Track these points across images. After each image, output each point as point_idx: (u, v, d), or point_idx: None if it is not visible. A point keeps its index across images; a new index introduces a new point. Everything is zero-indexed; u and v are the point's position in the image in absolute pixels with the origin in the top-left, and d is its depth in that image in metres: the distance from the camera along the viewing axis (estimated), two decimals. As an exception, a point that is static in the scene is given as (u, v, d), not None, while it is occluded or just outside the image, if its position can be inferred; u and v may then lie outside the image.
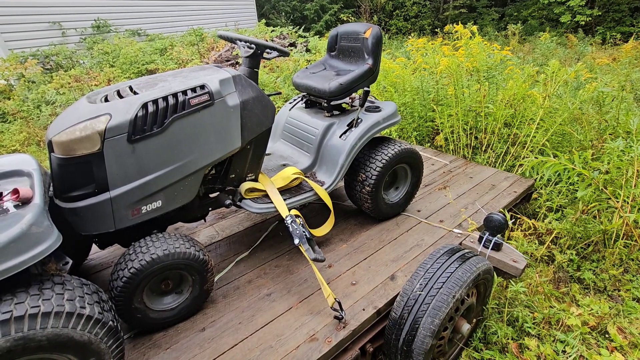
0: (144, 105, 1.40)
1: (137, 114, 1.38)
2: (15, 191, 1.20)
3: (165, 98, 1.44)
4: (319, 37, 7.94)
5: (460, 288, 1.47)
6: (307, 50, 7.59)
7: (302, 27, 9.90)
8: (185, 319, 1.57)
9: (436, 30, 9.08)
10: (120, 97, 1.48)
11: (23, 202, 1.21)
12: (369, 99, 2.37)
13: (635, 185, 2.25)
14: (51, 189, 1.45)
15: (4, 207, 1.18)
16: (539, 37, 8.85)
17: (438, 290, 1.46)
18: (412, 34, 10.15)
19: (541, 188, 2.82)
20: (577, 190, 2.43)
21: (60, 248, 1.36)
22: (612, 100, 2.91)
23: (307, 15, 13.54)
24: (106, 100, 1.48)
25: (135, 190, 1.43)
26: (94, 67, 6.32)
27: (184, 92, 1.49)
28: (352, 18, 13.84)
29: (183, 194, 1.59)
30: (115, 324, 1.16)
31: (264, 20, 9.76)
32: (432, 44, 3.71)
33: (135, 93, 1.49)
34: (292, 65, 5.25)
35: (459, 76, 3.35)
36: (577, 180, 2.52)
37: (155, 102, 1.42)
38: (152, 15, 8.76)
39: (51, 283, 1.09)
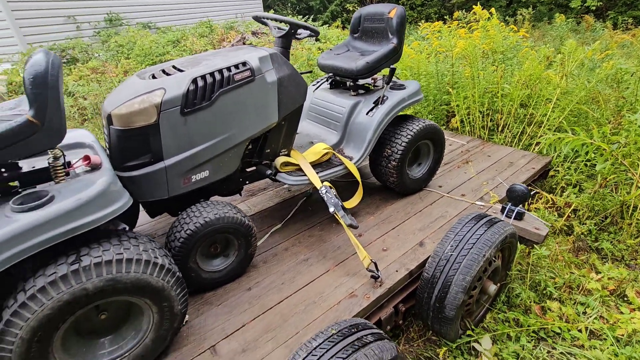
0: (194, 81, 1.50)
1: (188, 88, 1.48)
2: (87, 158, 1.32)
3: (212, 74, 1.55)
4: (327, 27, 7.97)
5: (489, 248, 1.57)
6: (317, 40, 7.63)
7: (309, 18, 9.91)
8: (232, 281, 1.69)
9: (445, 17, 9.05)
10: (167, 74, 1.58)
11: (93, 168, 1.33)
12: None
13: (653, 158, 2.32)
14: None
15: (77, 172, 1.31)
16: (549, 22, 8.77)
17: (469, 250, 1.57)
18: (420, 23, 10.11)
19: (558, 165, 2.89)
20: (594, 166, 2.50)
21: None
22: (632, 76, 2.94)
23: (312, 5, 13.50)
24: (153, 77, 1.59)
25: (187, 160, 1.55)
26: (110, 59, 6.44)
27: (228, 69, 1.59)
28: (358, 8, 13.77)
29: (227, 165, 1.70)
30: (181, 276, 1.28)
31: (272, 11, 9.77)
32: (448, 26, 3.76)
33: (180, 71, 1.59)
34: (305, 53, 5.33)
35: (475, 58, 3.41)
36: (595, 156, 2.58)
37: (203, 77, 1.53)
38: (162, 8, 8.85)
39: (126, 236, 1.21)
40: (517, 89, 3.19)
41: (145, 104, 1.43)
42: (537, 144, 3.08)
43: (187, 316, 1.48)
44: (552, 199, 2.47)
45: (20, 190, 1.19)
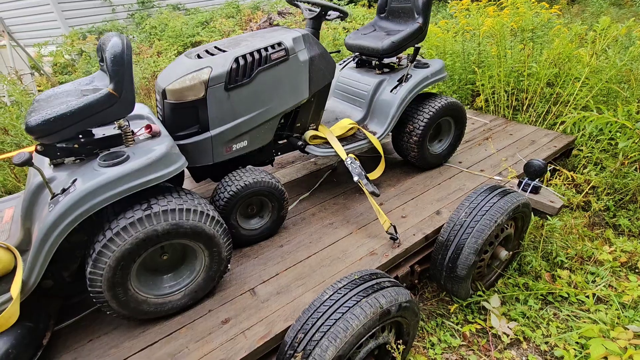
0: (236, 60, 1.69)
1: (231, 67, 1.67)
2: (149, 126, 1.56)
3: (252, 53, 1.73)
4: (353, 5, 7.89)
5: (501, 215, 1.70)
6: (342, 19, 7.60)
7: (336, -4, 9.76)
8: (266, 239, 1.92)
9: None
10: (211, 54, 1.78)
11: (153, 135, 1.56)
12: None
13: (679, 137, 2.31)
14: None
15: (140, 139, 1.54)
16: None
17: (482, 217, 1.71)
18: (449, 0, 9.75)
19: (582, 145, 2.90)
20: (617, 144, 2.52)
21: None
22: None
23: (339, -17, 13.21)
24: (199, 57, 1.78)
25: (229, 130, 1.76)
26: (144, 41, 6.75)
27: (266, 49, 1.76)
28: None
29: (263, 136, 1.90)
30: (227, 227, 1.51)
31: (297, -10, 9.72)
32: (477, 4, 3.72)
33: (223, 51, 1.78)
34: (331, 33, 5.38)
35: (502, 37, 3.38)
36: (619, 135, 2.59)
37: (244, 56, 1.71)
38: (191, -11, 9.01)
39: (183, 192, 1.44)
40: (544, 67, 3.17)
41: (195, 80, 1.64)
42: (562, 123, 3.08)
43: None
44: (571, 176, 2.53)
45: (99, 151, 1.44)
